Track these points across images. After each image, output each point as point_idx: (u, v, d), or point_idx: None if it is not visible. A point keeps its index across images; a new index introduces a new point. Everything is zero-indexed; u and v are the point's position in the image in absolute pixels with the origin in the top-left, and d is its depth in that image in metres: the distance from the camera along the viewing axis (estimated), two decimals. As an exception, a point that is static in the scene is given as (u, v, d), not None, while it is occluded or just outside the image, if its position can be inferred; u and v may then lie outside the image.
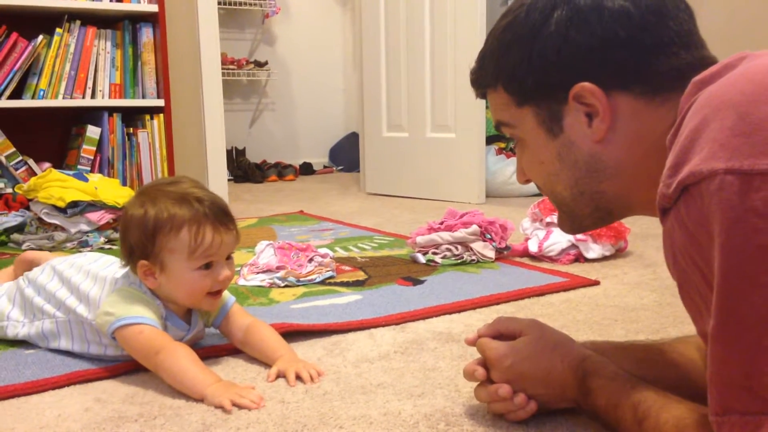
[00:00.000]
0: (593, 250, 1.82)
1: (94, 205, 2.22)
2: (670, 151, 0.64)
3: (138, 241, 1.06)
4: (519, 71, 0.75)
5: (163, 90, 2.88)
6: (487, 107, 3.42)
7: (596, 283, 1.60)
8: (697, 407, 0.70)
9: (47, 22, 2.75)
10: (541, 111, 0.75)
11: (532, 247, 1.86)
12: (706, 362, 0.60)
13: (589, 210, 0.78)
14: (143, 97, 2.89)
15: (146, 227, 1.05)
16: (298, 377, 1.04)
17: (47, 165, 2.71)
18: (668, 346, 0.91)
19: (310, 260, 1.70)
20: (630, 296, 1.49)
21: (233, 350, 1.17)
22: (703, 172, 0.56)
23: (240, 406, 0.94)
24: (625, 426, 0.75)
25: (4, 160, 2.69)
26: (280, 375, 1.06)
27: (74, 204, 2.18)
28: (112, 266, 1.17)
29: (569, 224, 0.82)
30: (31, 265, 1.35)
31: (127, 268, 1.13)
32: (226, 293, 1.19)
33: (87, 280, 1.16)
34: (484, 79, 0.80)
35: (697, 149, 0.58)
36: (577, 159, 0.74)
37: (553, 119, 0.74)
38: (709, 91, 0.62)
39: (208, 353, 1.16)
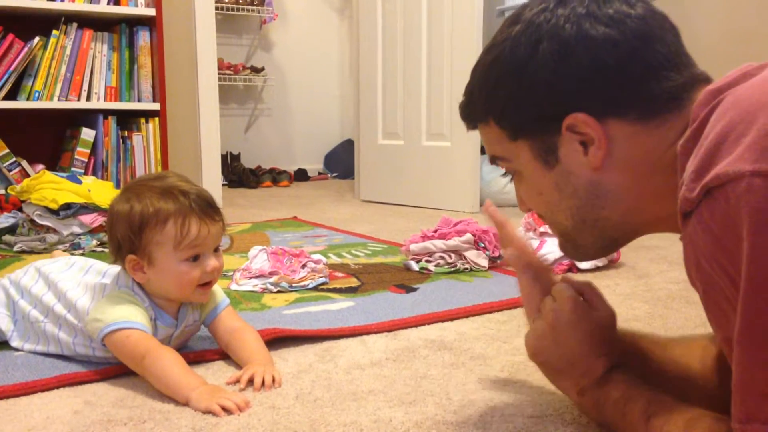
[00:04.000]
0: (586, 261, 1.82)
1: (87, 208, 2.21)
2: (683, 157, 0.63)
3: (125, 236, 1.06)
4: (509, 107, 0.75)
5: (158, 93, 2.88)
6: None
7: (589, 293, 1.60)
8: (709, 413, 0.70)
9: (44, 23, 2.75)
10: (536, 143, 0.74)
11: (526, 257, 1.86)
12: (731, 368, 0.59)
13: (592, 239, 0.77)
14: (139, 100, 2.89)
15: (132, 222, 1.05)
16: (257, 381, 1.03)
17: (41, 167, 2.71)
18: (669, 350, 0.90)
19: (303, 266, 1.69)
20: (622, 307, 1.50)
21: (224, 355, 1.16)
22: (729, 174, 0.55)
23: (226, 410, 0.94)
24: (631, 419, 0.75)
25: (-3, 161, 2.68)
26: (238, 379, 1.05)
27: (67, 206, 2.18)
28: (103, 278, 1.16)
29: (573, 253, 0.82)
30: None
31: (116, 272, 1.13)
32: (221, 294, 1.19)
33: (77, 288, 1.16)
34: (474, 114, 0.80)
35: (724, 152, 0.57)
36: (576, 188, 0.74)
37: (548, 151, 0.74)
38: (734, 95, 0.61)
39: (199, 357, 1.15)
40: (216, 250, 1.11)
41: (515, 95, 0.74)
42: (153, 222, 1.05)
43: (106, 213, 2.20)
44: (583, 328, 0.82)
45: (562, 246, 0.82)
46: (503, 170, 0.81)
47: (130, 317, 1.05)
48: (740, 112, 0.58)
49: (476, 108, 0.79)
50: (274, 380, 1.04)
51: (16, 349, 1.20)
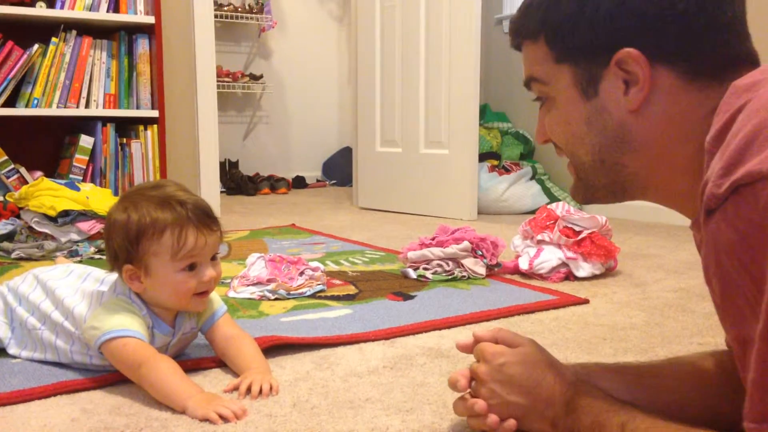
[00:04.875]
0: (583, 269, 1.82)
1: (85, 215, 2.21)
2: (709, 155, 0.63)
3: (122, 245, 1.06)
4: (565, 26, 0.74)
5: (157, 101, 2.88)
6: (481, 124, 3.45)
7: (586, 301, 1.61)
8: (688, 429, 0.69)
9: (43, 31, 2.76)
10: (579, 71, 0.74)
11: (523, 265, 1.87)
12: (736, 371, 0.58)
13: (605, 181, 0.77)
14: (137, 107, 2.89)
15: (129, 232, 1.05)
16: (254, 389, 1.03)
17: (39, 174, 2.71)
18: (665, 369, 0.89)
19: (301, 273, 1.70)
20: (619, 315, 1.50)
21: (221, 362, 1.16)
22: (763, 172, 0.55)
23: (223, 418, 0.94)
24: None
25: (-5, 167, 2.69)
26: (236, 387, 1.05)
27: (65, 213, 2.18)
28: (101, 286, 1.16)
29: (582, 193, 0.81)
30: None
31: (113, 280, 1.13)
32: (218, 302, 1.19)
33: (75, 295, 1.16)
34: (525, 28, 0.78)
35: (755, 151, 0.57)
36: (605, 126, 0.73)
37: (590, 81, 0.73)
38: (763, 96, 0.61)
39: (196, 365, 1.16)
40: (213, 258, 1.11)
41: (575, 16, 0.73)
42: (150, 232, 1.05)
43: (104, 220, 2.21)
44: (517, 362, 0.83)
45: (574, 188, 0.81)
46: (535, 95, 0.79)
47: (128, 325, 1.05)
48: None
49: (530, 22, 0.77)
50: (271, 388, 1.04)
51: (14, 357, 1.20)
